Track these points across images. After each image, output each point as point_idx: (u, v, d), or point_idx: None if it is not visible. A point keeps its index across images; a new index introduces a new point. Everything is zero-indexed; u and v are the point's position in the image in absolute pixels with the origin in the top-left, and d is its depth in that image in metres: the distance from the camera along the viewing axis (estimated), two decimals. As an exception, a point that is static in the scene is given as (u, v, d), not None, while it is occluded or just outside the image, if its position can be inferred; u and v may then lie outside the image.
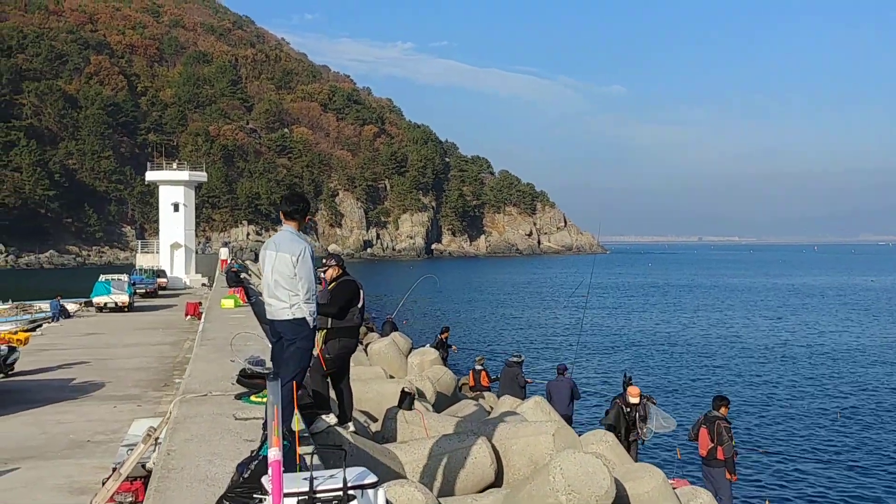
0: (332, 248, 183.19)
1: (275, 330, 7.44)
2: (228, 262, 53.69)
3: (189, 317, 30.94)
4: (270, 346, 7.94)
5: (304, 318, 7.26)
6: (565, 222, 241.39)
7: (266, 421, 6.49)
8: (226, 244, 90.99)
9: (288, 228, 7.55)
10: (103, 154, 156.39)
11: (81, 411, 15.06)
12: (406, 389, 11.08)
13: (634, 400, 15.19)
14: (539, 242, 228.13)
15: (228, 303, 22.51)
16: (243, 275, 44.76)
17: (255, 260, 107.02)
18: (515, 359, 21.05)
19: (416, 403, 11.22)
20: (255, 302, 28.78)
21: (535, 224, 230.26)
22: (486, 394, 20.53)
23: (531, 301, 71.08)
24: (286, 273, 7.26)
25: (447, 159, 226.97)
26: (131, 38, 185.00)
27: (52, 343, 25.33)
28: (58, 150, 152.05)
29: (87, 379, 18.30)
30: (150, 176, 60.13)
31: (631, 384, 15.89)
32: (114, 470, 9.33)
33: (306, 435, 7.65)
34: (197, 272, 57.47)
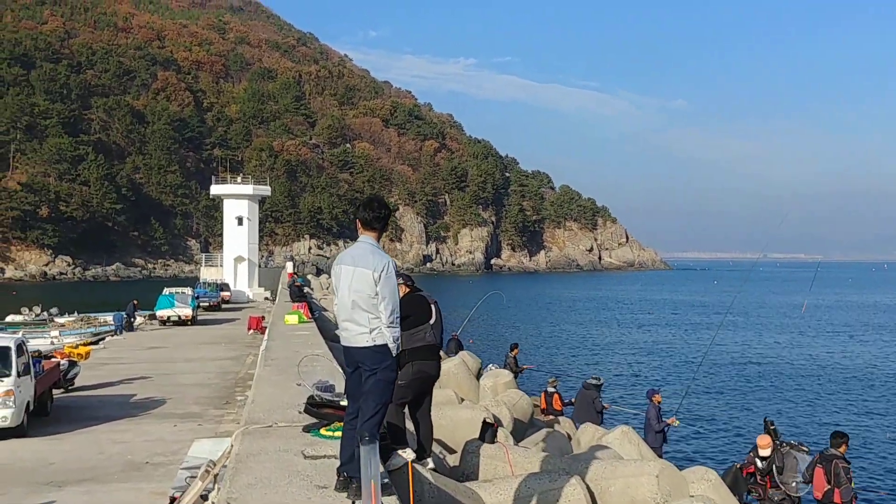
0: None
1: (351, 358, 6.49)
2: (293, 275, 53.50)
3: (252, 331, 30.45)
4: (344, 375, 6.95)
5: (385, 345, 6.30)
6: (627, 238, 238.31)
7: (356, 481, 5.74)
8: (291, 258, 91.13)
9: (366, 239, 6.57)
10: (169, 168, 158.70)
11: (140, 430, 14.44)
12: (487, 420, 10.08)
13: (765, 452, 13.27)
14: (600, 258, 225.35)
15: (292, 319, 21.79)
16: (307, 289, 44.31)
17: (317, 274, 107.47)
18: (594, 381, 19.69)
19: (499, 433, 10.23)
20: (318, 317, 28.12)
21: (595, 239, 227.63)
22: (560, 419, 19.44)
23: (600, 318, 69.48)
24: (366, 292, 6.31)
25: (507, 174, 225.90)
26: (198, 54, 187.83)
27: (114, 357, 24.95)
28: (125, 165, 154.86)
29: (148, 395, 17.73)
30: (215, 190, 60.41)
31: (767, 431, 13.86)
32: (172, 501, 8.56)
33: (381, 472, 6.72)
34: (260, 286, 57.43)
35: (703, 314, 75.71)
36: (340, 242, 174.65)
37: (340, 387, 9.38)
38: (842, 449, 11.53)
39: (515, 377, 24.35)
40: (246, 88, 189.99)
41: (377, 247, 6.58)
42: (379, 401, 6.29)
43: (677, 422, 16.65)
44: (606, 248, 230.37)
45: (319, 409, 8.37)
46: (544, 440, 12.70)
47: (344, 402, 8.73)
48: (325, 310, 37.39)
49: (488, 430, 9.88)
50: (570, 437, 17.16)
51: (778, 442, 13.45)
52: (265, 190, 62.32)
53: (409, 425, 8.45)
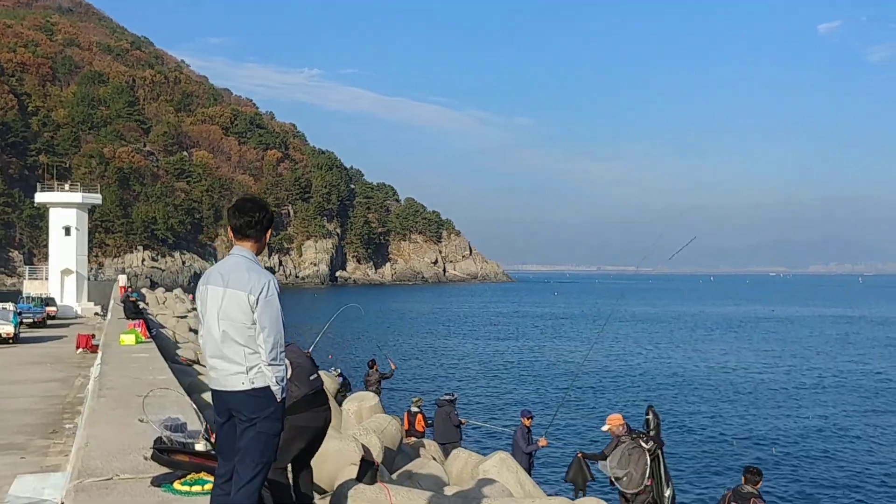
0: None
1: (223, 405, 5.11)
2: (127, 289, 50.36)
3: (81, 350, 27.94)
4: (212, 424, 5.50)
5: (266, 388, 4.98)
6: (471, 250, 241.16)
7: None
8: (123, 271, 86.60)
9: (241, 252, 5.24)
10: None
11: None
12: (367, 459, 8.76)
13: (607, 429, 12.60)
14: (445, 270, 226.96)
15: (129, 338, 19.71)
16: (142, 304, 41.54)
17: (151, 287, 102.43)
18: (448, 398, 19.33)
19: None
20: (156, 335, 25.96)
21: (440, 252, 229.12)
22: (423, 441, 18.31)
23: (453, 331, 68.88)
24: (240, 320, 4.99)
25: (352, 186, 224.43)
26: (23, 56, 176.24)
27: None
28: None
29: (-42, 428, 15.41)
30: (40, 198, 56.36)
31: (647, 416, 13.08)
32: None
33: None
34: (89, 300, 53.74)
35: (550, 325, 76.65)
36: (176, 254, 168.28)
37: (193, 424, 7.87)
38: (756, 485, 10.53)
39: (379, 384, 23.24)
40: (75, 92, 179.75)
41: (254, 261, 5.22)
42: (259, 460, 4.92)
43: (546, 442, 15.87)
44: (451, 261, 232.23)
45: (170, 456, 6.86)
46: (419, 472, 11.48)
47: (200, 446, 7.28)
48: (164, 326, 34.95)
49: (368, 471, 8.55)
50: (437, 460, 16.06)
51: (638, 431, 12.69)
52: (95, 198, 58.45)
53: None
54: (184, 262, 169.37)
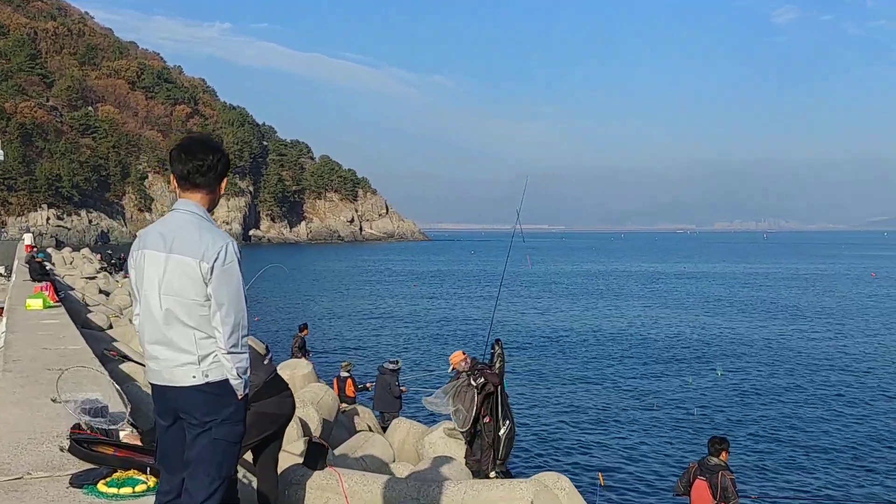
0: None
1: (166, 404, 4.15)
2: (33, 248, 48.03)
3: (-18, 315, 26.17)
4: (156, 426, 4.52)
5: (224, 382, 4.03)
6: (387, 209, 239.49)
7: None
8: (28, 229, 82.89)
9: (187, 206, 4.19)
10: None
11: None
12: (315, 440, 7.87)
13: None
14: (361, 229, 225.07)
15: (35, 303, 18.25)
16: (49, 265, 39.47)
17: (57, 246, 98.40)
18: (391, 366, 18.40)
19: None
20: (64, 297, 24.40)
21: (356, 210, 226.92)
22: (358, 408, 17.51)
23: (376, 290, 67.71)
24: (189, 296, 4.01)
25: (265, 143, 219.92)
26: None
27: None
28: None
29: None
30: (-66, 152, 53.19)
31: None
32: None
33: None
34: (-9, 261, 51.10)
35: (474, 284, 76.36)
36: (83, 213, 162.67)
37: (116, 405, 6.87)
38: (723, 456, 9.92)
39: (302, 350, 22.27)
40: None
41: (206, 218, 4.18)
42: (216, 475, 3.98)
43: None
44: (367, 219, 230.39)
45: (92, 448, 5.88)
46: (363, 447, 10.68)
47: (125, 434, 6.32)
48: (72, 288, 33.16)
49: (318, 454, 7.68)
50: (372, 429, 15.31)
51: (482, 366, 12.15)
52: (-4, 153, 55.50)
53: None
54: (91, 221, 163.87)
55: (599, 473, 14.12)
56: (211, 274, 3.97)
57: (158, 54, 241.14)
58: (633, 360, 32.33)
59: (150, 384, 4.19)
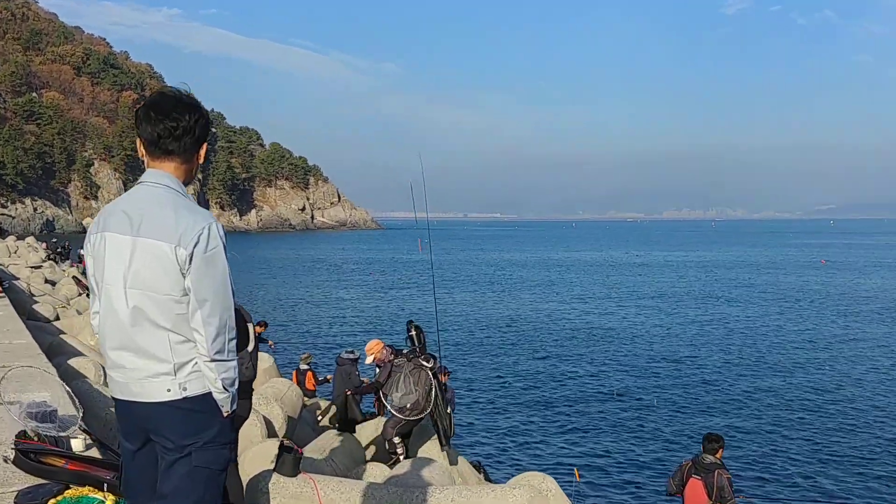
0: (87, 222, 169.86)
1: (133, 423, 3.39)
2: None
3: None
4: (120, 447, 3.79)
5: (206, 397, 3.32)
6: (339, 197, 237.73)
7: None
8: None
9: (159, 178, 3.43)
10: None
11: None
12: (287, 443, 7.19)
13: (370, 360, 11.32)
14: (313, 217, 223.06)
15: (-25, 293, 17.29)
16: (-10, 254, 37.99)
17: (1, 235, 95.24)
18: (349, 355, 17.62)
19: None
20: (8, 287, 23.26)
21: (308, 199, 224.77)
22: (320, 402, 16.80)
23: (331, 280, 66.84)
24: (163, 290, 3.26)
25: (213, 130, 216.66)
26: None
27: None
28: None
29: None
30: None
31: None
32: None
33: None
34: (-70, 250, 49.27)
35: (420, 273, 75.74)
36: (27, 201, 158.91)
37: (65, 408, 6.14)
38: (718, 454, 9.43)
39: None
40: None
41: (181, 192, 3.43)
42: None
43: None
44: (319, 208, 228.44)
45: (40, 460, 5.15)
46: (332, 447, 9.99)
47: (77, 443, 5.61)
48: (17, 278, 31.84)
49: (290, 459, 6.99)
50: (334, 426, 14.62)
51: (406, 351, 11.50)
52: (-66, 139, 53.51)
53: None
54: (35, 209, 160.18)
55: (575, 469, 13.59)
56: (190, 262, 3.24)
57: (105, 39, 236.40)
58: (593, 352, 31.96)
59: (114, 399, 3.43)
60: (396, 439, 10.77)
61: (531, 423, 20.27)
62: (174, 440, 3.26)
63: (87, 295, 31.13)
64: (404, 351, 11.53)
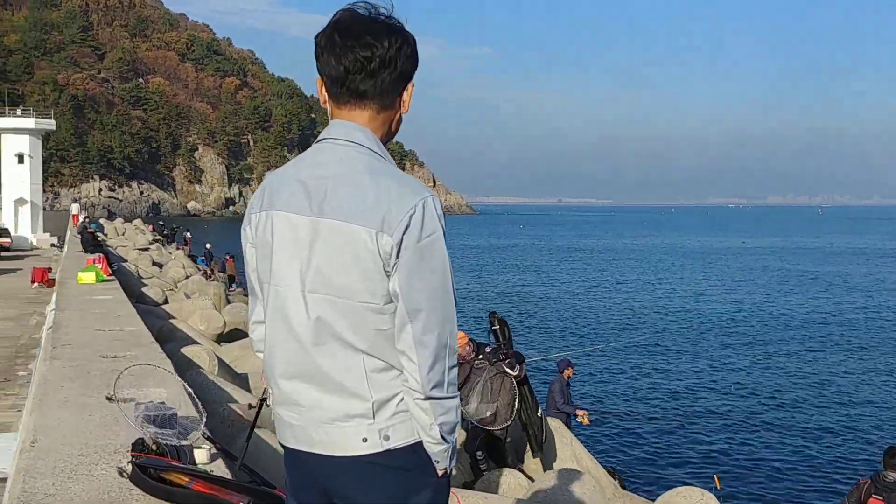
0: (192, 205, 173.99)
1: (308, 479, 2.48)
2: (80, 218, 47.62)
3: (36, 284, 25.40)
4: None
5: (416, 448, 2.34)
6: (434, 182, 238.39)
7: None
8: (75, 199, 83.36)
9: (350, 133, 2.38)
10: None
11: None
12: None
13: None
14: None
15: (88, 276, 17.13)
16: (101, 236, 38.76)
17: (109, 217, 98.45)
18: None
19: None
20: (117, 270, 23.33)
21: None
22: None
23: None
24: (359, 295, 2.26)
25: (313, 115, 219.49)
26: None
27: None
28: None
29: None
30: (-9, 123, 52.88)
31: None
32: None
33: None
34: (45, 231, 50.97)
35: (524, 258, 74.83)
36: (134, 184, 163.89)
37: (185, 409, 5.46)
38: None
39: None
40: (26, 17, 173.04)
41: (381, 154, 2.41)
42: None
43: (587, 419, 12.61)
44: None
45: (161, 477, 4.48)
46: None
47: (201, 454, 4.92)
48: (125, 260, 32.24)
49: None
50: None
51: (491, 349, 10.07)
52: (49, 124, 55.01)
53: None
54: (142, 193, 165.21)
55: (715, 476, 12.54)
56: (397, 255, 2.24)
57: (208, 26, 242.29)
58: (714, 342, 30.48)
59: (283, 447, 2.53)
60: (479, 454, 9.76)
61: (656, 420, 18.97)
62: None
63: (215, 280, 30.43)
64: (487, 349, 10.15)
